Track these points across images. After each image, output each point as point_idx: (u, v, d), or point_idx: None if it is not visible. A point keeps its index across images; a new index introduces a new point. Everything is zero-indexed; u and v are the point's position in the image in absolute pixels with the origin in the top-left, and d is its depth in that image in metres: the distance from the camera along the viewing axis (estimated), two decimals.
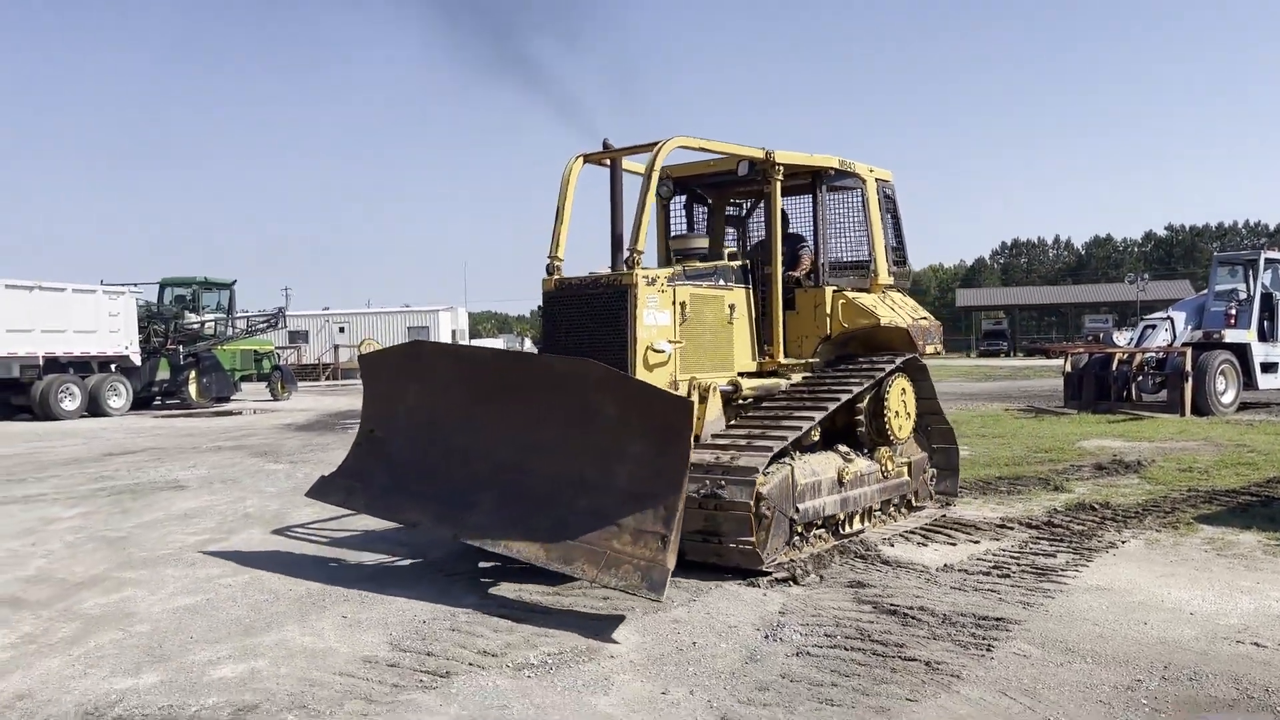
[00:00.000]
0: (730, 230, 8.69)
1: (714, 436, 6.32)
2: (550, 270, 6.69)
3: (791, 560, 6.15)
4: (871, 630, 4.86)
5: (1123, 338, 17.98)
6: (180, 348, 25.45)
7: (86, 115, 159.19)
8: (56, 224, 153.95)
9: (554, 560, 5.19)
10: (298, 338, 47.70)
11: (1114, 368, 17.23)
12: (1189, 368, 16.08)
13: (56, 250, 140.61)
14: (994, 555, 6.46)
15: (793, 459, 6.33)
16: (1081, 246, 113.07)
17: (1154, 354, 17.33)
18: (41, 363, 21.59)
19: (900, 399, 7.47)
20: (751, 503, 5.70)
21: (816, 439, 6.84)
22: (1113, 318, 66.29)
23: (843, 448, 7.03)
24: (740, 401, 6.92)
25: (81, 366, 22.57)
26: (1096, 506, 8.06)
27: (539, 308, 6.71)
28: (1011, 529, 7.32)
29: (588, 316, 6.44)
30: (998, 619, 5.00)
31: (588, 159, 6.91)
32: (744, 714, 3.85)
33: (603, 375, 5.47)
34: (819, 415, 6.55)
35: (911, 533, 7.21)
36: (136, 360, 23.84)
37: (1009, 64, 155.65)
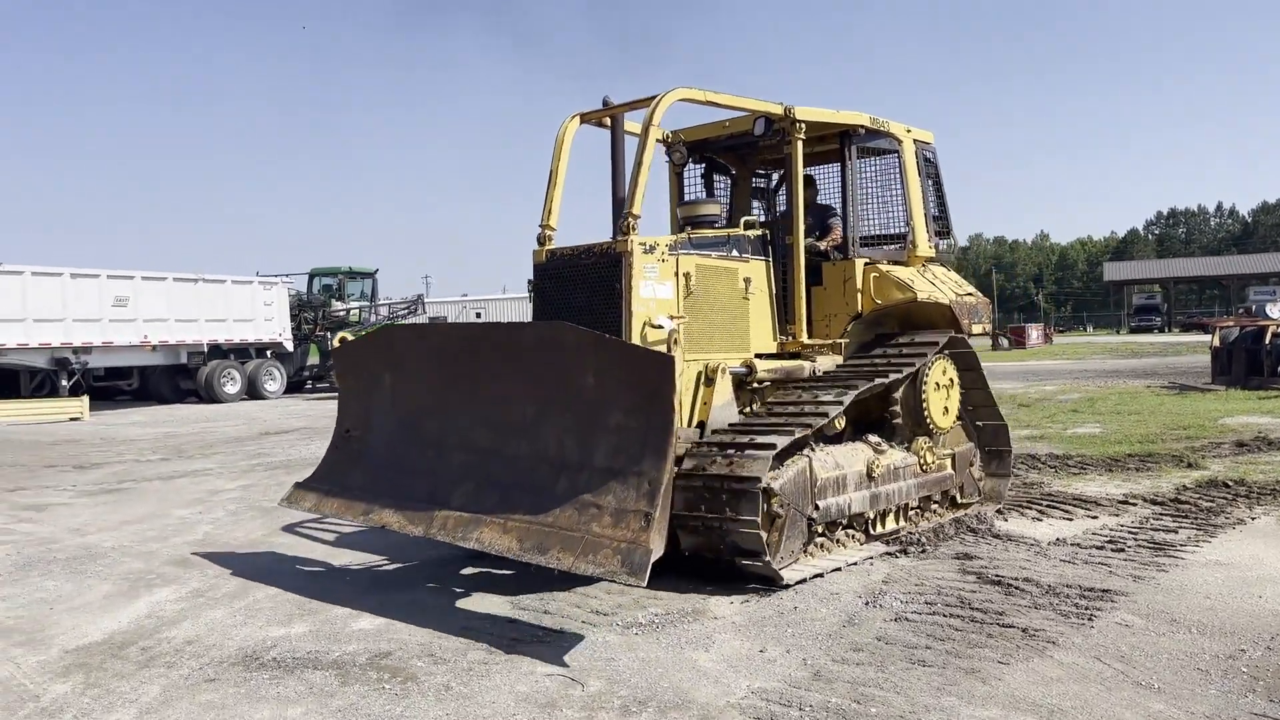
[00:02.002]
0: (757, 203, 7.99)
1: (714, 432, 5.73)
2: (541, 240, 6.10)
3: (911, 529, 6.16)
4: (972, 599, 4.95)
5: (1277, 309, 16.97)
6: (328, 334, 26.94)
7: (240, 117, 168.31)
8: (212, 218, 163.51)
9: (528, 551, 4.67)
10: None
11: (1267, 341, 16.33)
12: None
13: (212, 242, 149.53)
14: (1110, 530, 6.39)
15: (813, 450, 5.76)
16: (1248, 214, 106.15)
17: None
18: (206, 350, 23.28)
19: (941, 384, 6.78)
20: (759, 490, 5.12)
21: (840, 428, 6.17)
22: None
23: (874, 438, 6.37)
24: (755, 386, 6.24)
25: (241, 353, 24.22)
26: (1230, 484, 7.80)
27: (528, 282, 6.26)
28: (1134, 505, 7.19)
29: (580, 289, 5.82)
30: (1104, 590, 5.00)
31: (584, 118, 6.30)
32: (836, 671, 4.03)
33: (576, 338, 4.96)
34: (845, 400, 5.85)
35: (1027, 507, 7.18)
36: (289, 346, 25.39)
37: (1166, 27, 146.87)
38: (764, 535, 5.17)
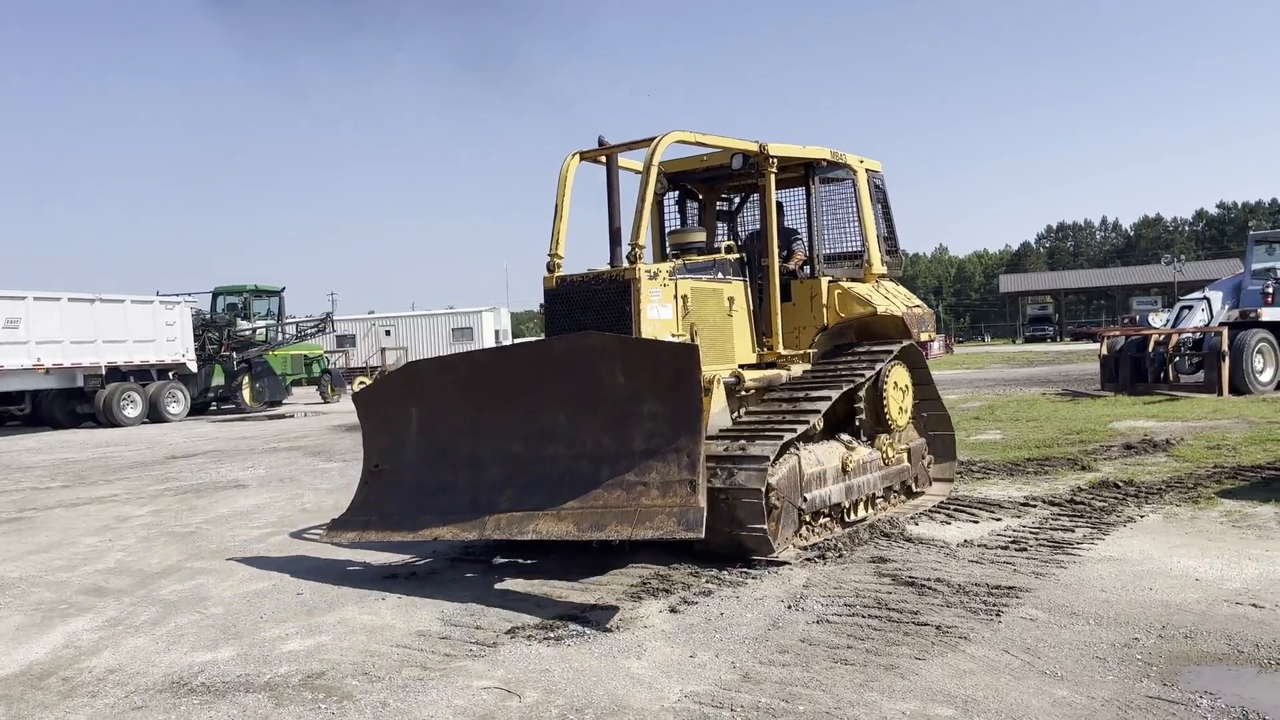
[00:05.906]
0: (720, 225, 8.77)
1: (708, 439, 6.14)
2: (551, 267, 6.76)
3: (825, 540, 6.48)
4: (889, 600, 5.19)
5: (1159, 319, 17.96)
6: (234, 354, 26.32)
7: (140, 130, 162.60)
8: (111, 237, 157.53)
9: (586, 531, 5.31)
10: (345, 341, 48.57)
11: (1150, 349, 17.25)
12: (1226, 347, 16.07)
13: (112, 262, 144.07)
14: (1014, 531, 6.73)
15: (798, 449, 6.43)
16: (1130, 228, 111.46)
17: (1190, 334, 17.32)
18: (104, 372, 22.51)
19: (898, 386, 7.58)
20: (763, 490, 5.81)
21: (819, 429, 6.91)
22: (1161, 299, 65.31)
23: (845, 436, 7.13)
24: (743, 393, 6.98)
25: (141, 375, 23.47)
26: (1120, 484, 8.26)
27: (540, 305, 6.93)
28: (1034, 507, 7.57)
29: (590, 312, 6.49)
30: (1009, 588, 5.29)
31: (583, 156, 6.99)
32: (764, 673, 4.20)
33: (603, 343, 5.62)
34: (824, 405, 6.66)
35: (936, 511, 7.50)
36: (193, 367, 24.72)
37: (1054, 45, 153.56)
38: (768, 529, 5.87)
